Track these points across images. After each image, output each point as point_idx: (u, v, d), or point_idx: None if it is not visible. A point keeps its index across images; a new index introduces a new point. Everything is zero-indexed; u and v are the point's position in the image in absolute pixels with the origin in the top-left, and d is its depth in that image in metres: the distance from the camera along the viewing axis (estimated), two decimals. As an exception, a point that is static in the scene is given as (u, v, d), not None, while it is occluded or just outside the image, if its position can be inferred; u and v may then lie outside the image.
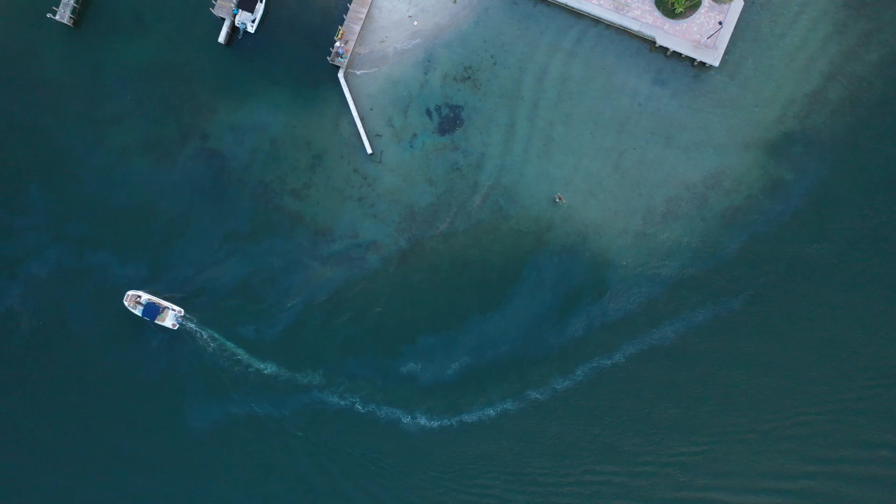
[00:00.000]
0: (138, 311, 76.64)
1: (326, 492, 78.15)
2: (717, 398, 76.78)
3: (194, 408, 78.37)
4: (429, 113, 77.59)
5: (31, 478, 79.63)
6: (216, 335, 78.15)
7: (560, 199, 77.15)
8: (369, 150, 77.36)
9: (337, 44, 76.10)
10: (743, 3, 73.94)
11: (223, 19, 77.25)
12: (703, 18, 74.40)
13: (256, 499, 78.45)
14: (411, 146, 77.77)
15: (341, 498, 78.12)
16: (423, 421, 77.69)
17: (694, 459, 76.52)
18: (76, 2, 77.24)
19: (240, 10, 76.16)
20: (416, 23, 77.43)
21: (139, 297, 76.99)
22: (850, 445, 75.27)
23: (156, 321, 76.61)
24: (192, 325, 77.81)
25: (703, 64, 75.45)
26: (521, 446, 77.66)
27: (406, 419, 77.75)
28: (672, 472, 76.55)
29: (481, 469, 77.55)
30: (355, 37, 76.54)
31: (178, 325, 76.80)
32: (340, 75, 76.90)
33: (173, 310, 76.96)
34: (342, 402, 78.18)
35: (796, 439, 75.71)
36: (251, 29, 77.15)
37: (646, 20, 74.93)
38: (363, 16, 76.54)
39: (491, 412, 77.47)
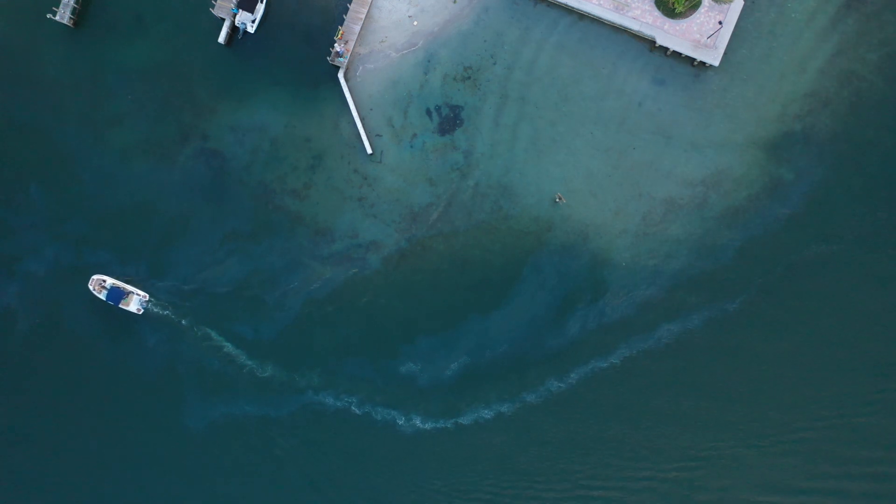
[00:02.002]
0: (103, 296, 76.65)
1: (321, 493, 78.14)
2: (715, 407, 76.36)
3: (191, 407, 78.32)
4: (429, 113, 77.58)
5: (27, 476, 79.59)
6: (214, 334, 78.12)
7: (560, 199, 77.12)
8: (369, 150, 77.36)
9: (337, 44, 76.11)
10: (743, 2, 73.91)
11: (223, 19, 77.26)
12: (703, 18, 74.38)
13: (252, 498, 78.44)
14: (411, 146, 77.76)
15: (335, 499, 78.14)
16: (418, 423, 77.57)
17: (691, 474, 76.05)
18: (76, 2, 77.29)
19: (240, 10, 76.18)
20: (416, 23, 77.45)
21: (104, 281, 77.06)
22: (854, 460, 74.75)
23: (120, 305, 76.62)
24: (158, 311, 77.67)
25: (703, 64, 75.43)
26: (517, 451, 77.44)
27: (401, 420, 77.64)
28: (669, 488, 76.13)
29: (475, 473, 77.38)
30: (355, 37, 76.56)
31: (142, 310, 76.78)
32: (340, 75, 76.92)
33: (138, 294, 76.95)
34: (339, 404, 78.10)
35: (797, 453, 75.19)
36: (251, 29, 77.17)
37: (646, 20, 74.92)
38: (363, 16, 76.56)
39: (487, 414, 77.30)
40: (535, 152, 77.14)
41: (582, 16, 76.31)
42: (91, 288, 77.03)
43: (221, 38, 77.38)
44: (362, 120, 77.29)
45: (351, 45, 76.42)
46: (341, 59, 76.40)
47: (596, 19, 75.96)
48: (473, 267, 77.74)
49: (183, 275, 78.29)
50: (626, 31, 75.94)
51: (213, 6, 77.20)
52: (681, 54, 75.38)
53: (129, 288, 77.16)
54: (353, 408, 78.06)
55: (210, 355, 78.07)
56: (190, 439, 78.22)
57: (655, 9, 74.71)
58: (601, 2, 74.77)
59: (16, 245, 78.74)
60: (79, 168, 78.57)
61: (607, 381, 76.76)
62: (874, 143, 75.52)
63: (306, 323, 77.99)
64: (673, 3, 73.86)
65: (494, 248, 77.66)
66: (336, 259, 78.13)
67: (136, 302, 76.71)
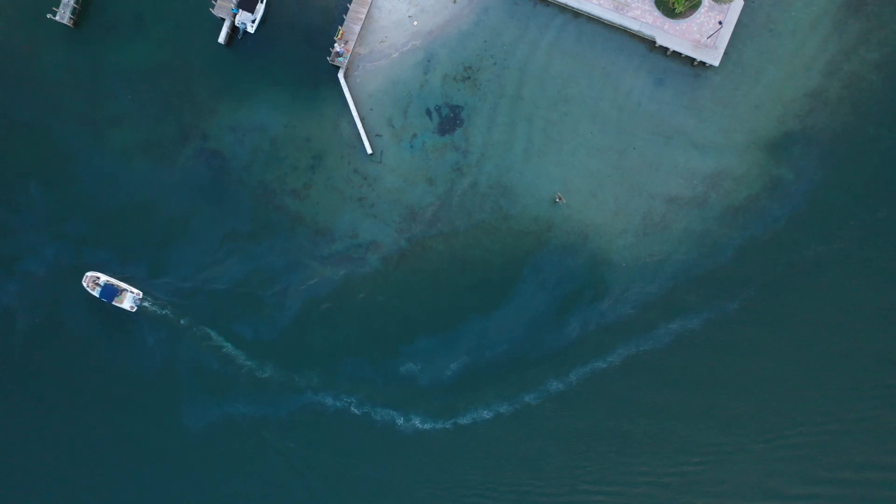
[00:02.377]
0: (96, 293, 76.74)
1: (319, 493, 78.18)
2: (714, 409, 76.32)
3: (190, 407, 78.35)
4: (429, 113, 77.57)
5: (27, 475, 79.64)
6: (214, 334, 78.11)
7: (560, 198, 77.12)
8: (369, 150, 77.36)
9: (337, 44, 76.10)
10: (743, 2, 73.89)
11: (223, 19, 77.25)
12: (703, 18, 74.37)
13: (250, 498, 78.44)
14: (411, 146, 77.74)
15: (332, 499, 78.18)
16: (417, 423, 77.55)
17: (688, 478, 76.00)
18: (76, 2, 77.27)
19: (240, 10, 76.17)
20: (416, 23, 77.44)
21: (97, 278, 77.12)
22: (852, 466, 74.64)
23: (113, 303, 76.67)
24: (157, 310, 77.67)
25: (703, 64, 75.41)
26: (516, 451, 77.43)
27: (400, 421, 77.63)
28: (667, 492, 76.15)
29: (475, 474, 77.43)
30: (355, 37, 76.55)
31: (135, 308, 76.83)
32: (340, 75, 76.92)
33: (132, 292, 77.04)
34: (338, 404, 78.09)
35: (796, 459, 75.17)
36: (251, 29, 77.16)
37: (646, 20, 74.91)
38: (363, 16, 76.55)
39: (486, 415, 77.30)
40: (534, 152, 77.13)
41: (582, 16, 76.30)
42: (85, 285, 77.11)
43: (221, 38, 77.37)
44: (362, 120, 77.28)
45: (351, 45, 76.41)
46: (341, 59, 76.39)
47: (596, 19, 75.95)
48: (473, 267, 77.73)
49: (182, 274, 78.31)
50: (626, 31, 75.93)
51: (213, 6, 77.19)
52: (681, 54, 75.37)
53: (123, 285, 77.22)
54: (352, 408, 78.04)
55: (209, 355, 78.07)
56: (189, 439, 78.22)
57: (655, 9, 74.70)
58: (601, 2, 74.76)
59: (16, 245, 78.73)
60: (79, 168, 78.56)
61: (606, 382, 76.68)
62: (874, 142, 75.49)
63: (306, 323, 77.98)
64: (673, 3, 73.86)
65: (494, 248, 77.66)
66: (336, 259, 78.12)
67: (129, 299, 76.77)
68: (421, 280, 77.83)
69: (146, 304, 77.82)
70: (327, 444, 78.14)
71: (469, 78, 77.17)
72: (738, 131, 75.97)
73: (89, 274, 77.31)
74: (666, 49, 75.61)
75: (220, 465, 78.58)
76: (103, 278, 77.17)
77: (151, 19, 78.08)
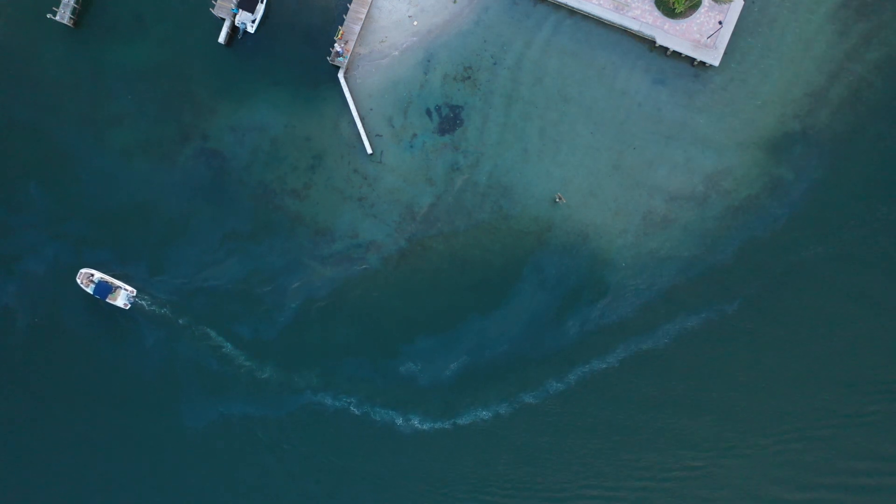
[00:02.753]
0: (90, 290, 76.68)
1: (316, 493, 78.14)
2: (713, 410, 76.27)
3: (189, 407, 78.26)
4: (429, 113, 77.57)
5: (27, 474, 79.57)
6: (213, 334, 78.04)
7: (560, 198, 77.09)
8: (369, 150, 77.36)
9: (337, 44, 76.13)
10: (743, 2, 73.92)
11: (223, 19, 77.28)
12: (703, 18, 74.40)
13: (249, 498, 78.36)
14: (411, 146, 77.74)
15: (330, 499, 78.14)
16: (417, 423, 77.48)
17: (688, 480, 75.96)
18: (76, 2, 77.29)
19: (240, 10, 76.20)
20: (416, 23, 77.47)
21: (92, 275, 77.12)
22: (854, 470, 74.62)
23: (107, 300, 76.60)
24: (156, 309, 77.62)
25: (703, 63, 75.43)
26: (513, 455, 77.43)
27: (400, 421, 77.55)
28: (665, 496, 76.09)
29: (472, 475, 77.39)
30: (355, 37, 76.58)
31: (129, 305, 76.78)
32: (340, 75, 76.94)
33: (126, 289, 76.94)
34: (337, 404, 78.02)
35: (797, 462, 75.07)
36: (251, 29, 77.19)
37: (646, 20, 74.93)
38: (363, 16, 76.58)
39: (485, 415, 77.24)
40: (535, 152, 77.12)
41: (582, 16, 76.31)
42: (79, 281, 77.04)
43: (221, 38, 77.39)
44: (362, 120, 77.29)
45: (351, 45, 76.43)
46: (341, 59, 76.42)
47: (596, 19, 75.97)
48: (473, 267, 77.70)
49: (182, 274, 78.27)
50: (626, 31, 75.95)
51: (213, 6, 77.22)
52: (681, 54, 75.38)
53: (117, 283, 77.18)
54: (351, 408, 77.98)
55: (208, 355, 78.02)
56: (188, 439, 78.12)
57: (655, 9, 74.72)
58: (601, 2, 74.78)
59: (15, 245, 78.70)
60: (79, 168, 78.53)
61: (606, 381, 76.64)
62: (874, 142, 75.48)
63: (305, 323, 77.93)
64: (673, 3, 73.88)
65: (494, 248, 77.63)
66: (336, 259, 78.09)
67: (123, 297, 76.70)
68: (421, 280, 77.81)
69: (145, 303, 77.79)
70: (326, 444, 78.07)
71: (469, 78, 77.19)
72: (738, 131, 75.97)
73: (84, 271, 77.26)
74: (666, 49, 75.63)
75: (219, 466, 78.47)
76: (97, 275, 77.12)
77: (151, 19, 78.09)
